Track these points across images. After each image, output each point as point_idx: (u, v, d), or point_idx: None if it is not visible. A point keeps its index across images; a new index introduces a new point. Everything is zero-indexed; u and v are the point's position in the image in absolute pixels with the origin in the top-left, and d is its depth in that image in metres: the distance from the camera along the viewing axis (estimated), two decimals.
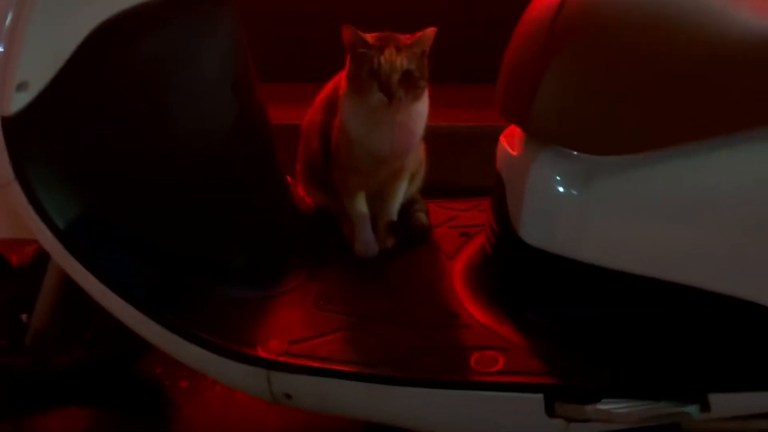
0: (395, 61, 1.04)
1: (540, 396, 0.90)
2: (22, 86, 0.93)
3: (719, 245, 0.89)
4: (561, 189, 0.94)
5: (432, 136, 1.18)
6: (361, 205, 1.18)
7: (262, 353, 0.97)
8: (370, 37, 1.07)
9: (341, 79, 1.13)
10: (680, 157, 0.88)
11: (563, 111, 0.94)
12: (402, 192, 1.22)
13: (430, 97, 1.12)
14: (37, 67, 0.94)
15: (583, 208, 0.93)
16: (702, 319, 0.92)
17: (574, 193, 0.93)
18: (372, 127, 1.10)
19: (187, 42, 1.11)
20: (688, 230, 0.90)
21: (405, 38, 1.07)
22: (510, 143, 1.07)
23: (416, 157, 1.22)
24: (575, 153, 0.94)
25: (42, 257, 1.15)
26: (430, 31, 1.07)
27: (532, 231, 0.97)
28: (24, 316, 1.21)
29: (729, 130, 0.86)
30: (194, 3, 1.10)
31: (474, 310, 1.04)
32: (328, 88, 1.22)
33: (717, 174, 0.88)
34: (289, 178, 1.32)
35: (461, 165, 1.83)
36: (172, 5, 1.06)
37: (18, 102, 0.93)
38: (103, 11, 0.98)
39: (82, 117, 1.00)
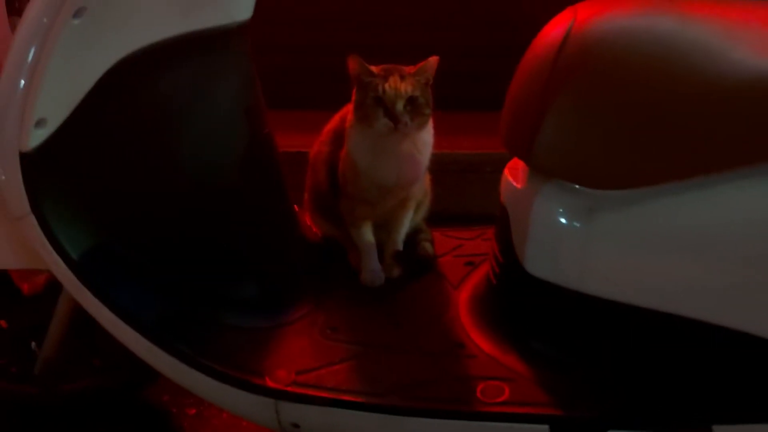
0: (400, 87, 1.06)
1: (546, 427, 0.91)
2: (40, 123, 0.95)
3: (721, 279, 0.90)
4: (564, 222, 0.96)
5: (435, 164, 1.19)
6: (368, 234, 1.20)
7: (270, 383, 0.98)
8: (374, 67, 1.09)
9: (348, 111, 1.15)
10: (681, 191, 0.90)
11: (565, 147, 0.95)
12: (408, 221, 1.24)
13: (434, 125, 1.14)
14: (56, 103, 0.96)
15: (586, 241, 0.94)
16: (706, 350, 0.93)
17: (577, 225, 0.95)
18: (378, 157, 1.12)
19: (200, 78, 1.13)
20: (690, 264, 0.91)
21: (409, 68, 1.09)
22: (514, 176, 1.08)
23: (422, 186, 1.23)
24: (578, 187, 0.96)
25: (53, 286, 1.17)
26: (433, 60, 1.09)
27: (536, 263, 0.98)
28: (33, 344, 1.23)
29: (729, 167, 0.87)
30: (208, 39, 1.11)
31: (479, 340, 1.04)
32: (335, 119, 1.23)
33: (718, 208, 0.90)
34: (296, 207, 1.33)
35: (465, 192, 1.85)
36: (187, 42, 1.08)
37: (36, 138, 0.95)
38: (120, 49, 1.00)
39: (97, 152, 1.02)
